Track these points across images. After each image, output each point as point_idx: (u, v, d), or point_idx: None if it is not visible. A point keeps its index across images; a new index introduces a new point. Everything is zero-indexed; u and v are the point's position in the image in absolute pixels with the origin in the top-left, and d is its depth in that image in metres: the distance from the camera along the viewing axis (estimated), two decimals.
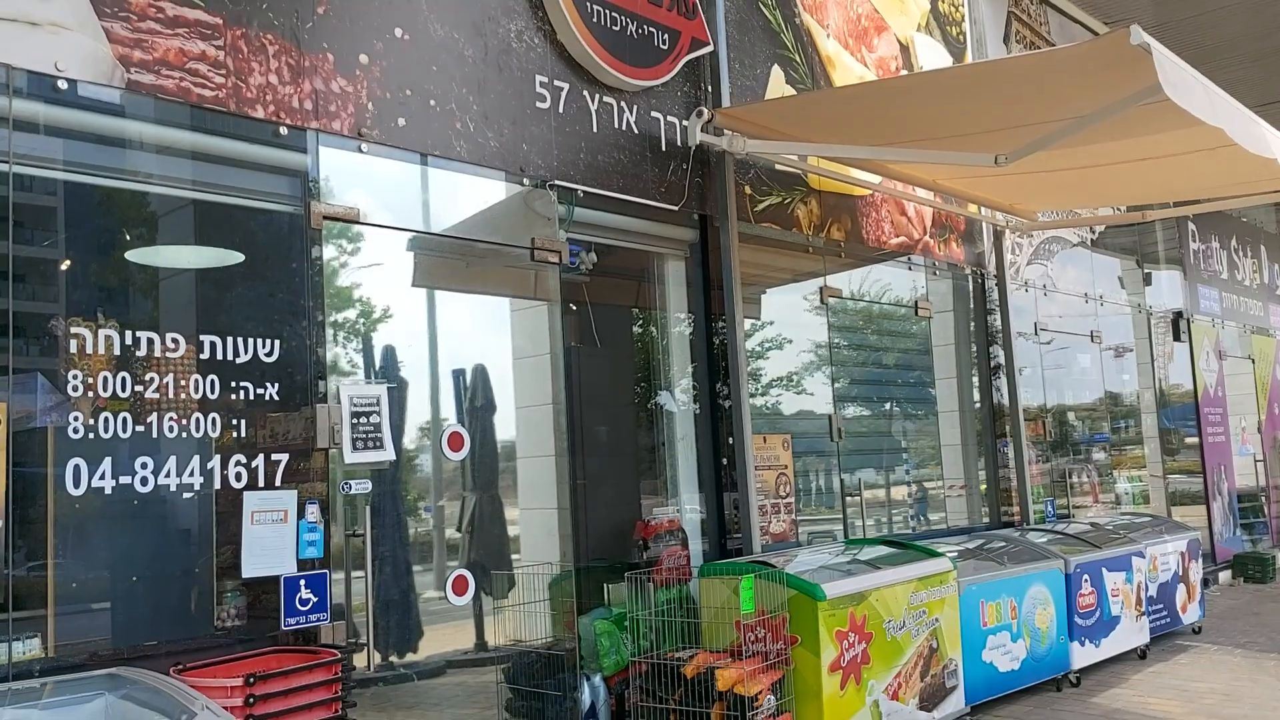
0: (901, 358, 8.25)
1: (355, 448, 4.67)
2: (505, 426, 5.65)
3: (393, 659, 4.94)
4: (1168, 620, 8.72)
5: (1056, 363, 10.11)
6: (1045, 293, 9.92)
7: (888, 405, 8.05)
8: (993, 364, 9.06)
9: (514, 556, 5.95)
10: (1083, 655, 7.46)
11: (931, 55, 8.59)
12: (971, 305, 9.02)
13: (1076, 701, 6.99)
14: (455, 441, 5.22)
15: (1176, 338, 12.31)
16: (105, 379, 3.95)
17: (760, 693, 5.06)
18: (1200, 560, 9.34)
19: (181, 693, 3.36)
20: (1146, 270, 12.06)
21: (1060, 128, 5.79)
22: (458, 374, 5.44)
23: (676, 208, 6.27)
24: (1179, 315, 12.38)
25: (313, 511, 4.45)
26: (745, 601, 5.11)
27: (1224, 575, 11.96)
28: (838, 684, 5.36)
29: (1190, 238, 12.93)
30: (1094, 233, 10.96)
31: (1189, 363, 12.48)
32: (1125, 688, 7.33)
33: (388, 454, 4.80)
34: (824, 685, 5.28)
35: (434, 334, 5.41)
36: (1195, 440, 12.32)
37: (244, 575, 4.21)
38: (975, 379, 8.98)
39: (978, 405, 8.98)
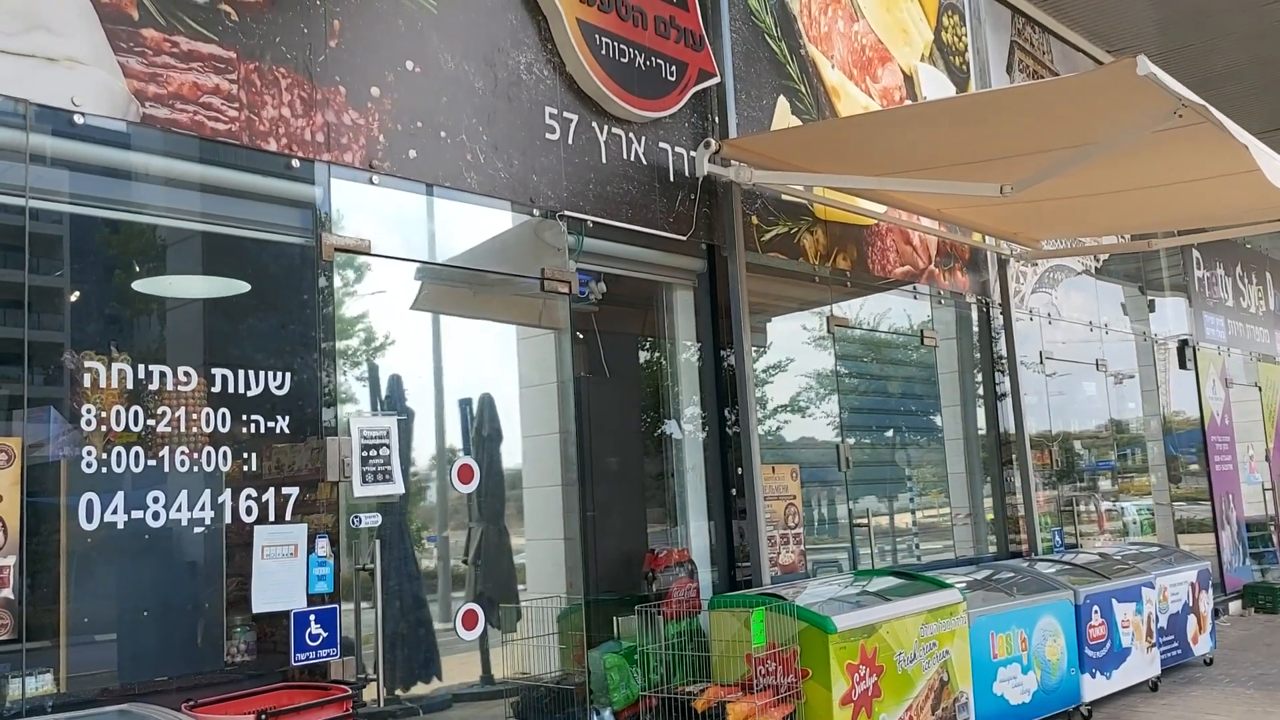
0: (907, 386, 8.25)
1: (365, 481, 4.66)
2: (512, 456, 5.65)
3: (401, 693, 4.91)
4: (1179, 651, 8.67)
5: (1061, 390, 10.10)
6: (1050, 321, 9.92)
7: (894, 434, 8.04)
8: (999, 392, 9.05)
9: (521, 588, 5.93)
10: (1093, 687, 7.40)
11: (935, 85, 8.63)
12: (976, 333, 9.02)
13: None
14: (465, 474, 5.21)
15: (1183, 365, 12.30)
16: (118, 412, 3.95)
17: None
18: (1210, 590, 9.29)
19: None
20: (1151, 297, 12.07)
21: (1066, 156, 5.81)
22: (464, 404, 5.44)
23: (684, 238, 6.29)
24: (1184, 343, 12.37)
25: (322, 545, 4.44)
26: (756, 635, 5.08)
27: (1234, 605, 11.89)
28: (849, 718, 5.32)
29: (1195, 265, 12.95)
30: (1098, 261, 10.97)
31: (1195, 390, 12.46)
32: None
33: (397, 487, 4.79)
34: (835, 719, 5.24)
35: (441, 364, 5.41)
36: (1200, 468, 12.29)
37: (254, 610, 4.19)
38: (981, 407, 8.97)
39: (983, 434, 8.96)
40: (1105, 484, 10.68)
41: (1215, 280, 13.45)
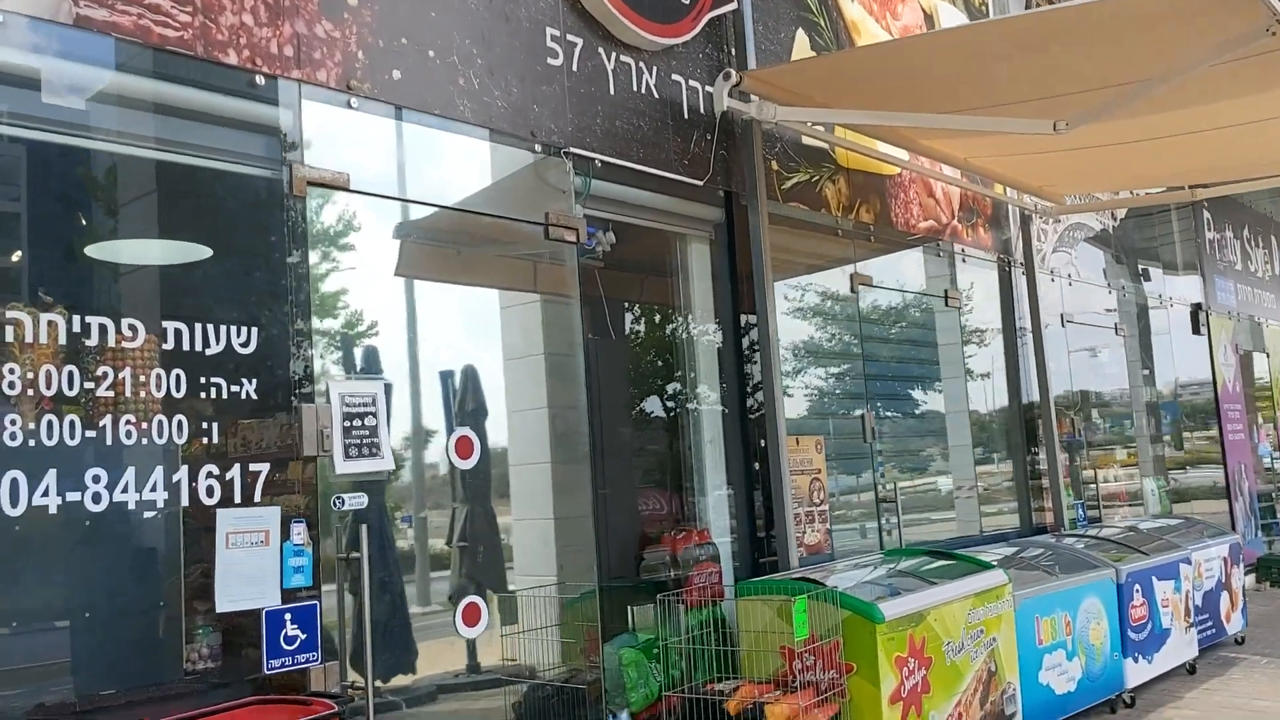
0: (931, 351, 7.64)
1: (348, 455, 3.98)
2: (498, 432, 4.97)
3: (394, 699, 4.25)
4: (1213, 631, 8.15)
5: (1080, 356, 9.54)
6: (1070, 282, 9.35)
7: (917, 402, 7.43)
8: (1022, 357, 8.47)
9: (525, 577, 5.32)
10: (1136, 672, 6.86)
11: (954, 23, 7.99)
12: (999, 294, 8.42)
13: None
14: (464, 447, 4.54)
15: (1195, 331, 11.80)
16: (49, 373, 3.25)
17: None
18: (1241, 565, 8.78)
19: None
20: (1161, 262, 11.54)
21: (1126, 91, 5.20)
22: (446, 376, 4.78)
23: (701, 183, 5.62)
24: (1198, 308, 11.87)
25: (299, 531, 3.76)
26: (799, 627, 4.46)
27: (1248, 579, 11.44)
28: (898, 717, 4.72)
29: (1205, 226, 12.42)
30: (1115, 220, 10.41)
31: (1207, 357, 11.96)
32: (1183, 708, 6.74)
33: (386, 463, 4.12)
34: (884, 719, 4.64)
35: (418, 332, 4.75)
36: (1215, 435, 11.81)
37: (219, 609, 3.51)
38: (1005, 373, 8.38)
39: (1007, 402, 8.39)
40: (1123, 454, 10.16)
41: (1225, 243, 12.94)
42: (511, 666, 4.88)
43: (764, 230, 5.69)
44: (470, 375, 4.96)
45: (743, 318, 5.86)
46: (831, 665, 4.66)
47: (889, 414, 7.06)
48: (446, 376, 4.76)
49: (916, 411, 7.43)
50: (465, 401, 5.00)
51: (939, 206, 7.57)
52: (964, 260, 7.94)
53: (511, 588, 4.84)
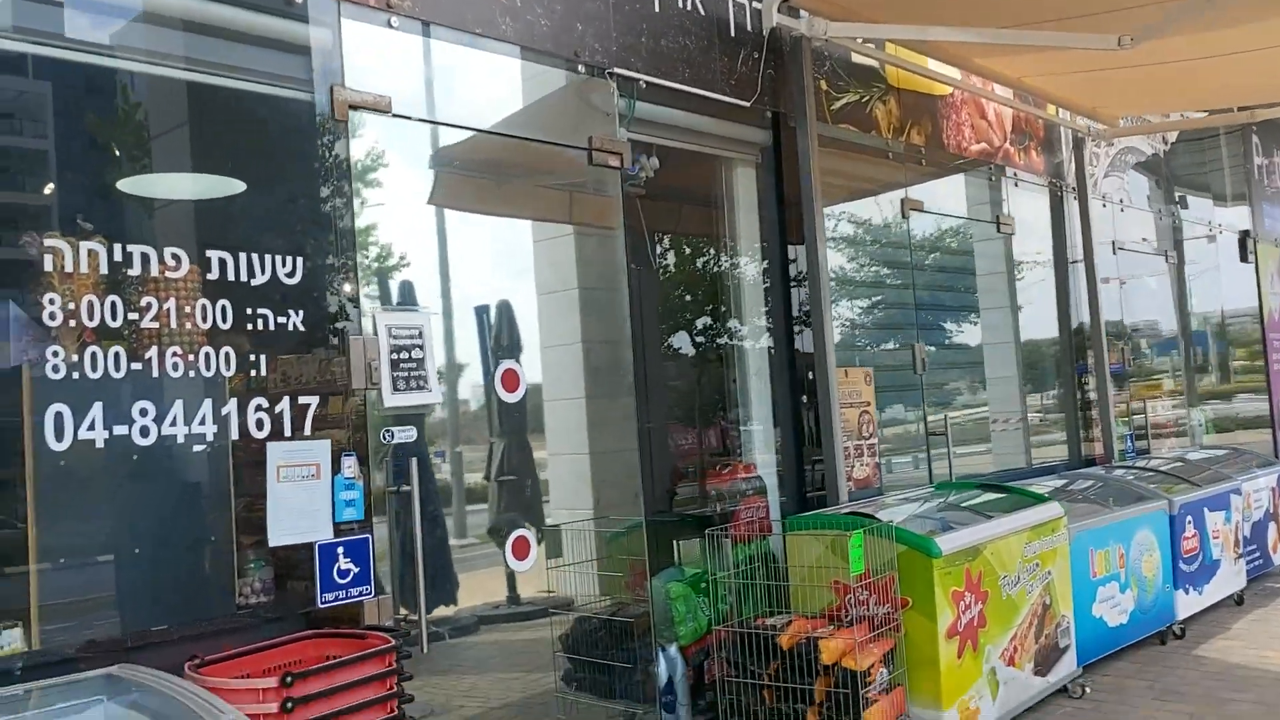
0: (981, 279, 7.44)
1: (396, 388, 3.89)
2: (532, 367, 4.86)
3: (440, 630, 4.21)
4: (1260, 562, 8.03)
5: (1129, 285, 9.29)
6: (1122, 208, 9.07)
7: (966, 332, 7.25)
8: (1073, 284, 8.25)
9: (561, 511, 5.27)
10: (1186, 604, 6.77)
11: None
12: (1051, 220, 8.18)
13: (1186, 656, 6.29)
14: (510, 380, 4.43)
15: (1243, 259, 11.48)
16: (91, 305, 3.15)
17: (873, 666, 4.34)
18: None
19: (199, 700, 2.61)
20: (1210, 190, 11.19)
21: (1191, 3, 4.95)
22: (481, 310, 4.67)
23: (748, 104, 5.42)
24: (1246, 235, 11.53)
25: (349, 465, 3.68)
26: (855, 561, 4.36)
27: None
28: (955, 651, 4.64)
29: (1254, 152, 12.03)
30: (1166, 144, 10.07)
31: (1254, 285, 11.65)
32: (1232, 639, 6.65)
33: (434, 395, 4.02)
34: (940, 654, 4.56)
35: (461, 261, 4.62)
36: (1261, 365, 11.55)
37: (271, 543, 3.44)
38: (1055, 300, 8.17)
39: (1057, 331, 8.19)
40: (1169, 383, 9.95)
41: (1274, 168, 12.53)
42: (557, 599, 4.83)
43: (813, 152, 5.48)
44: (506, 309, 4.86)
45: (790, 245, 5.68)
46: (886, 600, 4.58)
47: (938, 344, 6.90)
48: (482, 311, 4.66)
49: (965, 341, 7.26)
50: (501, 336, 4.90)
51: (991, 129, 7.32)
52: (1016, 185, 7.69)
53: (550, 522, 4.77)
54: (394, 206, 4.11)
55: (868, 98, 6.19)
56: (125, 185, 3.32)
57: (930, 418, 6.57)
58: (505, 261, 4.93)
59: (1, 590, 2.98)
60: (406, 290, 4.18)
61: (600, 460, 5.19)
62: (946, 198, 7.01)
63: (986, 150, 7.29)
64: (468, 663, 5.19)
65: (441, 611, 4.24)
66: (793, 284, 5.69)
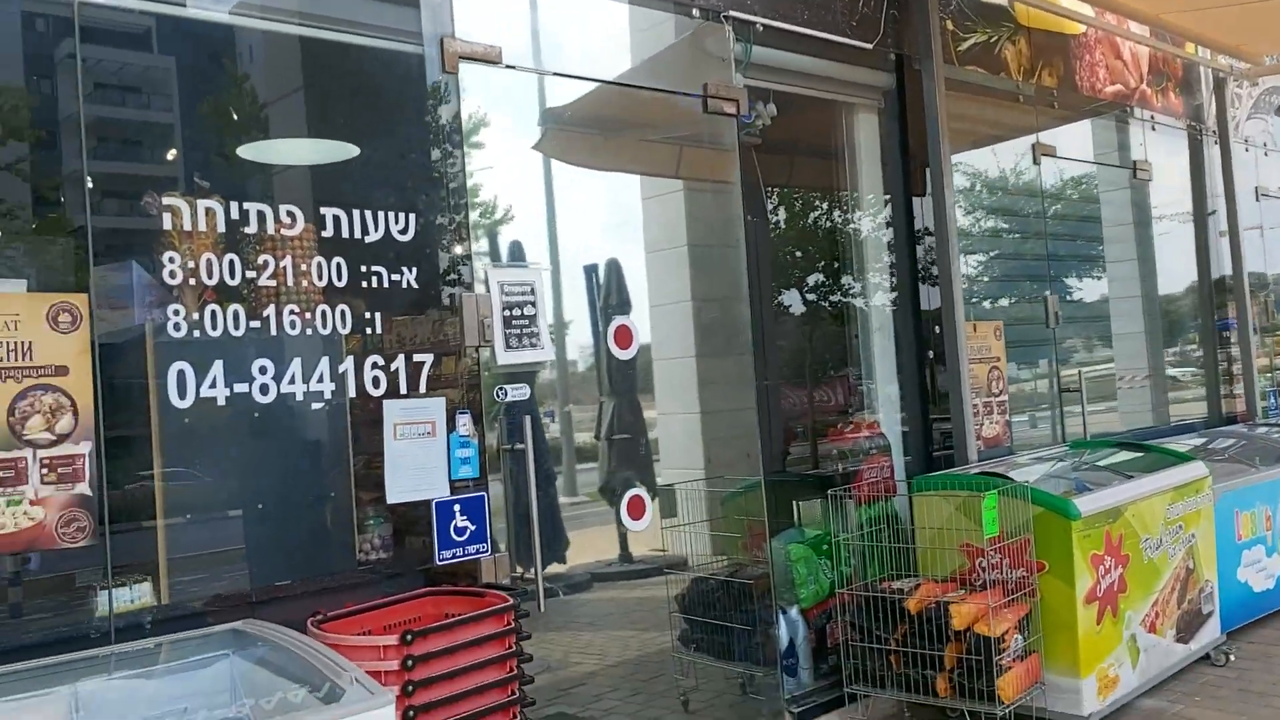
0: (1116, 228, 7.04)
1: (509, 345, 3.82)
2: (642, 326, 4.76)
3: (552, 587, 4.16)
4: None
5: (1273, 234, 8.70)
6: (1266, 152, 8.48)
7: (1101, 283, 6.88)
8: (1213, 233, 7.76)
9: (670, 470, 5.18)
10: None
11: None
12: (1190, 165, 7.69)
13: None
14: (623, 337, 4.33)
15: None
16: (210, 263, 3.15)
17: (1007, 631, 4.14)
18: None
19: (322, 657, 2.59)
20: None
21: None
22: (590, 269, 4.58)
23: (870, 46, 5.17)
24: None
25: (464, 423, 3.63)
26: (988, 523, 4.15)
27: None
28: (1094, 617, 4.40)
29: None
30: None
31: None
32: None
33: (546, 353, 3.94)
34: (1079, 620, 4.33)
35: (571, 217, 4.54)
36: None
37: (389, 500, 3.42)
38: (1195, 250, 7.70)
39: (1196, 282, 7.72)
40: None
41: None
42: (672, 559, 4.76)
43: (940, 96, 5.22)
44: (615, 267, 4.77)
45: (913, 188, 5.43)
46: (1020, 564, 4.36)
47: (1071, 296, 6.56)
48: (591, 270, 4.58)
49: (1100, 294, 6.88)
50: (610, 294, 4.81)
51: (1126, 69, 6.89)
52: (1153, 129, 7.24)
53: (661, 481, 4.69)
54: (503, 161, 4.03)
55: (996, 38, 5.86)
56: (244, 152, 3.31)
57: (1063, 373, 6.25)
58: (613, 219, 4.84)
59: (131, 545, 3.01)
60: (516, 248, 4.11)
61: (711, 420, 5.08)
62: (1080, 142, 6.63)
63: (1122, 92, 6.87)
64: (581, 620, 5.16)
65: (554, 569, 4.19)
66: (918, 234, 5.44)
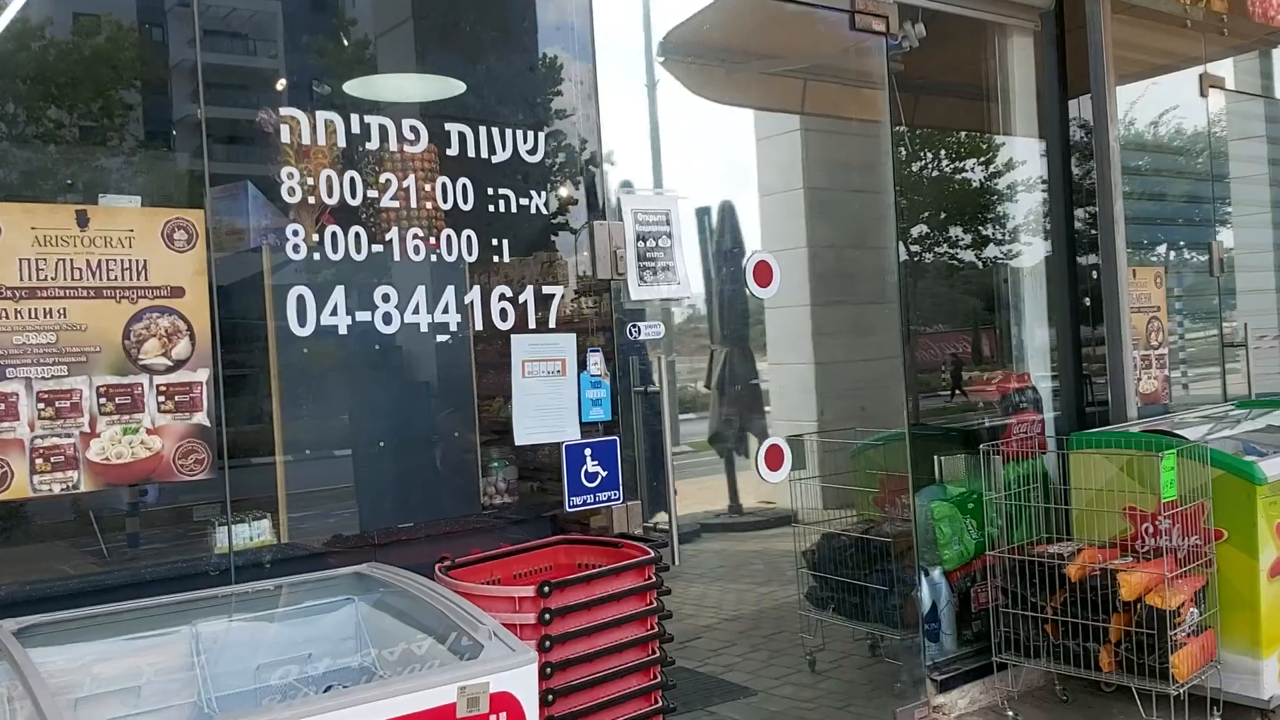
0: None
1: (643, 280, 3.52)
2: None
3: (688, 538, 3.91)
4: None
5: None
6: None
7: (1272, 229, 6.31)
8: None
9: (782, 422, 4.88)
10: None
11: None
12: None
13: None
14: (763, 274, 4.00)
15: None
16: (329, 180, 2.91)
17: (1183, 605, 3.75)
18: None
19: (455, 606, 2.36)
20: None
21: None
22: (702, 213, 4.28)
23: None
24: None
25: (595, 361, 3.36)
26: (1166, 485, 3.75)
27: None
28: (1277, 594, 3.98)
29: None
30: None
31: None
32: None
33: (683, 289, 3.64)
34: (1261, 595, 3.91)
35: (696, 153, 4.26)
36: None
37: (517, 441, 3.17)
38: None
39: None
40: None
41: None
42: (782, 511, 4.49)
43: (1105, 17, 4.74)
44: (728, 210, 4.48)
45: (1071, 119, 4.97)
46: (1194, 531, 3.95)
47: (1239, 242, 6.01)
48: (703, 212, 4.30)
49: (1271, 240, 6.31)
50: (724, 238, 4.53)
51: None
52: None
53: (774, 432, 4.41)
54: (620, 90, 3.74)
55: None
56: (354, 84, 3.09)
57: (1229, 326, 5.73)
58: (725, 158, 4.56)
59: (250, 479, 2.84)
60: (646, 178, 3.84)
61: (824, 371, 4.77)
62: (1252, 74, 6.05)
63: None
64: (692, 572, 4.91)
65: (661, 518, 3.94)
66: (1074, 173, 4.98)
